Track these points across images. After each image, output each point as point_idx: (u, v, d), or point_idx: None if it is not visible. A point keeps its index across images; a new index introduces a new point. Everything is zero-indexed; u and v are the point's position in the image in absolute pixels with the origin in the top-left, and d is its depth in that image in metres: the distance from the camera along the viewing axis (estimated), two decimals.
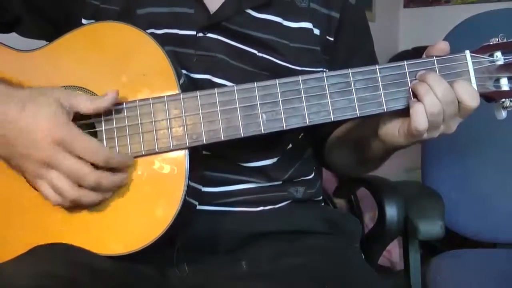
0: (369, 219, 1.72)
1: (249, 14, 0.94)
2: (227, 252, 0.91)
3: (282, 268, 0.86)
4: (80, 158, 0.77)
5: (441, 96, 0.77)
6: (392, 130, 0.83)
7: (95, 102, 0.80)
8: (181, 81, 0.84)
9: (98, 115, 0.82)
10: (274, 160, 0.96)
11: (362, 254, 1.04)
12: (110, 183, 0.79)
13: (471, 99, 0.78)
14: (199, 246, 0.89)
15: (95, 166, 0.78)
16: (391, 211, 1.07)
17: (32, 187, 0.82)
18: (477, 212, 1.32)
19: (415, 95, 0.80)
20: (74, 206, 0.80)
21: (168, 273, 0.88)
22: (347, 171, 1.13)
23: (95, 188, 0.78)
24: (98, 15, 0.93)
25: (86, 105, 0.79)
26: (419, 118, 0.78)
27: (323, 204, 1.11)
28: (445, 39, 1.30)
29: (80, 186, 0.78)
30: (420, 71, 0.81)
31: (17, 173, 0.82)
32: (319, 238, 0.95)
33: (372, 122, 0.86)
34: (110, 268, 0.79)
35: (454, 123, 0.81)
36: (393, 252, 2.06)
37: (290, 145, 0.98)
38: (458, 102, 0.78)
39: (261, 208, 0.95)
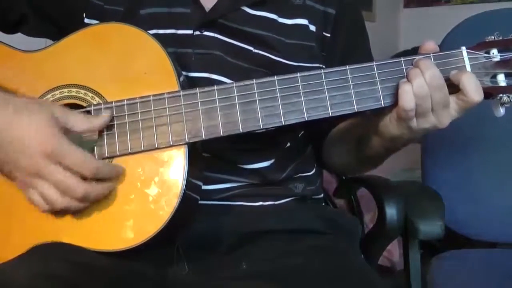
0: (369, 219, 1.71)
1: (244, 11, 0.95)
2: (227, 251, 0.91)
3: (282, 268, 0.86)
4: (69, 170, 0.77)
5: (429, 80, 0.79)
6: (385, 118, 0.84)
7: (89, 120, 0.81)
8: (181, 79, 0.85)
9: (98, 110, 0.84)
10: (271, 161, 0.96)
11: (362, 254, 1.04)
12: (97, 193, 0.80)
13: (475, 92, 0.79)
14: (199, 245, 0.89)
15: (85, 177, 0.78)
16: (391, 211, 1.07)
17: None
18: (477, 212, 1.32)
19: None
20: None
21: (168, 272, 0.88)
22: (345, 169, 1.14)
23: (83, 199, 0.79)
24: (103, 16, 0.94)
25: (79, 124, 0.80)
26: (406, 96, 0.79)
27: (323, 203, 1.11)
28: (445, 39, 1.31)
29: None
30: (416, 58, 0.82)
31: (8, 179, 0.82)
32: (319, 238, 0.95)
33: (374, 119, 0.87)
34: (110, 268, 0.80)
35: (445, 116, 0.80)
36: (393, 252, 2.06)
37: (289, 144, 0.99)
38: (462, 93, 0.79)
39: (260, 203, 0.95)
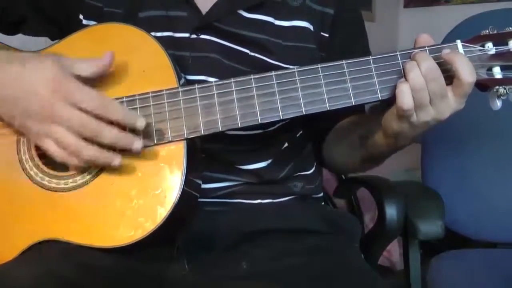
0: (369, 219, 1.72)
1: (241, 14, 0.95)
2: (227, 251, 0.91)
3: (282, 268, 0.87)
4: (80, 107, 0.78)
5: (424, 72, 0.78)
6: (386, 114, 0.83)
7: (94, 63, 0.81)
8: (181, 82, 0.85)
9: None
10: (269, 161, 0.96)
11: (362, 254, 1.04)
12: (111, 135, 0.79)
13: (468, 74, 0.77)
14: (199, 244, 0.89)
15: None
16: (391, 211, 1.07)
17: (35, 150, 0.85)
18: (477, 212, 1.32)
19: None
20: (81, 169, 0.82)
21: (168, 272, 0.88)
22: (347, 169, 1.13)
23: (96, 140, 0.78)
24: (101, 18, 0.95)
25: (86, 68, 0.81)
26: (403, 95, 0.78)
27: (323, 203, 1.11)
28: (445, 39, 1.31)
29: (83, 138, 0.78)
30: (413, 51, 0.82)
31: (22, 136, 0.86)
32: (319, 238, 0.95)
33: (376, 117, 0.87)
34: (111, 267, 0.80)
35: (444, 107, 0.79)
36: (393, 252, 2.05)
37: (286, 144, 0.99)
38: (455, 77, 0.78)
39: (259, 201, 0.96)
